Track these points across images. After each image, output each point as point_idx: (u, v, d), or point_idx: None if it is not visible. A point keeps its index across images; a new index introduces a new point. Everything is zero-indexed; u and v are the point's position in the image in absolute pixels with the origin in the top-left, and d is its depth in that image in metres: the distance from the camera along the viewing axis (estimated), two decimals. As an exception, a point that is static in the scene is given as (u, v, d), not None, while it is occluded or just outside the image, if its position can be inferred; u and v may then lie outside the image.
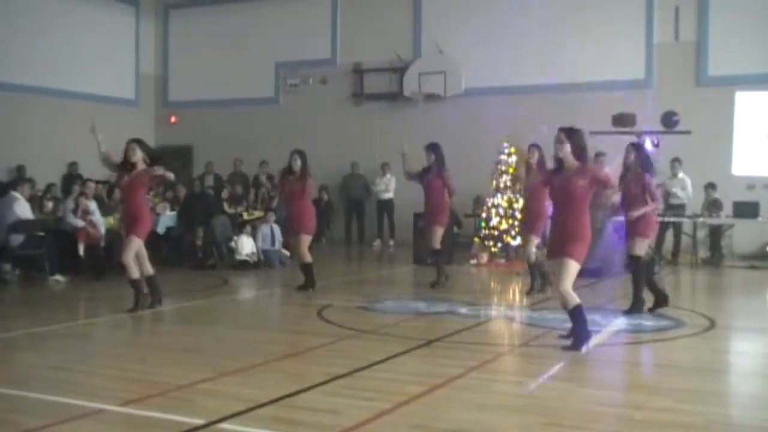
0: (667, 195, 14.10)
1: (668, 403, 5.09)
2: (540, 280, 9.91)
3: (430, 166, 10.59)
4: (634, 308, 8.40)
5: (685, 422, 4.65)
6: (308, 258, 10.16)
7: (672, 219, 13.91)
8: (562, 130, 6.61)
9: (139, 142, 8.50)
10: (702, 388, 5.50)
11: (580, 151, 6.50)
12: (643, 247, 8.53)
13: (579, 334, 6.46)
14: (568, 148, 6.48)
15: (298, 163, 10.08)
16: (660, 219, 13.66)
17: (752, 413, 5.01)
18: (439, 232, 10.60)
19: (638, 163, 8.47)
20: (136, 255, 8.37)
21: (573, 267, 6.38)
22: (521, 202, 11.83)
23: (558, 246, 6.49)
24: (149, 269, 8.55)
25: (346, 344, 6.87)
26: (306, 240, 10.17)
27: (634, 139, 12.83)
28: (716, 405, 5.13)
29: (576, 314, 6.42)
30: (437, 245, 10.66)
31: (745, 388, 5.83)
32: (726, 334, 7.81)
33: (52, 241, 11.40)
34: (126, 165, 8.45)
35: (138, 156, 8.38)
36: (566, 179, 6.47)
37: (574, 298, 6.41)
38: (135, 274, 8.39)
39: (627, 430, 4.63)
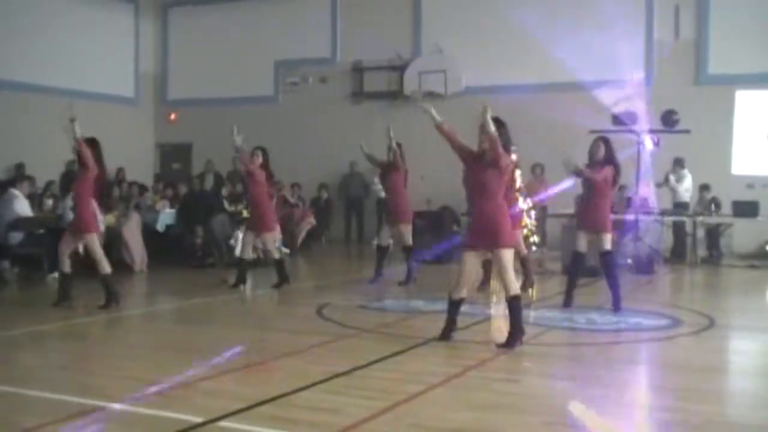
0: (665, 189, 14.13)
1: (667, 402, 5.10)
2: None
3: (389, 162, 10.60)
4: (616, 305, 8.40)
5: (684, 421, 4.65)
6: (273, 255, 10.29)
7: (673, 218, 13.92)
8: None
9: (90, 142, 8.55)
10: (701, 386, 5.50)
11: (502, 143, 6.52)
12: (610, 241, 8.51)
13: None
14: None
15: (259, 160, 10.08)
16: (662, 218, 13.77)
17: (751, 412, 5.02)
18: (406, 229, 10.64)
19: (606, 157, 8.48)
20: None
21: (511, 254, 6.53)
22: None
23: (487, 238, 6.51)
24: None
25: (345, 343, 6.87)
26: (270, 237, 10.29)
27: (633, 138, 12.86)
28: (715, 404, 5.14)
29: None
30: (408, 242, 10.70)
31: (744, 386, 5.84)
32: (725, 333, 7.82)
33: (52, 239, 11.37)
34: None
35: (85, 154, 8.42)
36: (482, 170, 6.53)
37: (517, 287, 6.57)
38: (66, 268, 8.64)
39: (627, 430, 4.64)
